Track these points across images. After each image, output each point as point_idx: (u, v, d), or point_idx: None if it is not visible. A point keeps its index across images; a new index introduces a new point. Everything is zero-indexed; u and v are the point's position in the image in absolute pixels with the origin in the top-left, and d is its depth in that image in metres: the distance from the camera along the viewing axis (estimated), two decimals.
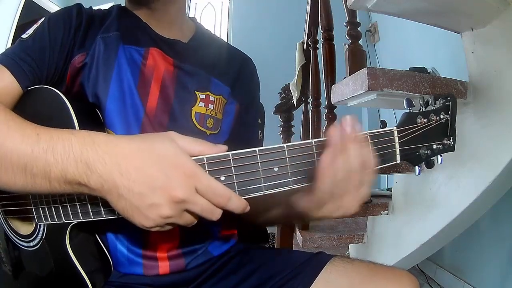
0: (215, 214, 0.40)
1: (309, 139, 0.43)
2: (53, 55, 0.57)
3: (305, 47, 1.92)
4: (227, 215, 0.41)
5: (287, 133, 1.97)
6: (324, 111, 1.48)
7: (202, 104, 0.64)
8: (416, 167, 0.48)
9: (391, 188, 1.45)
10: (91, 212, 0.46)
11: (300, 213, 0.49)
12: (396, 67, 1.04)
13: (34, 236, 0.54)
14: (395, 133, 0.45)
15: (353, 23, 1.31)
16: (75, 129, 0.49)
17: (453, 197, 1.12)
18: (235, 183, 0.41)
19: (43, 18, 0.59)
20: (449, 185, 1.13)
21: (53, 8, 3.18)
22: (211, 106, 0.65)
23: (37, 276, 0.56)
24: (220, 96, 0.67)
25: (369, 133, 0.44)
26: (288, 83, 2.00)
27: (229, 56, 0.74)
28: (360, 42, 1.32)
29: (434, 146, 0.47)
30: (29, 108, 0.54)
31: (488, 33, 1.01)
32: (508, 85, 0.95)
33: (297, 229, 1.56)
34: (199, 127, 0.63)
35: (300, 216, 0.51)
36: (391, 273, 0.58)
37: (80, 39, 0.60)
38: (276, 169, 0.42)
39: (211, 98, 0.66)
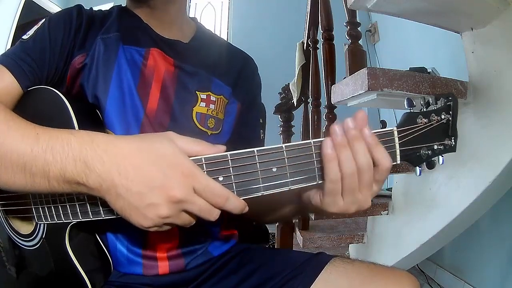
0: (213, 215, 0.40)
1: (309, 139, 0.43)
2: (53, 56, 0.57)
3: (305, 47, 1.92)
4: (229, 215, 0.41)
5: (287, 133, 1.97)
6: (324, 111, 1.48)
7: (203, 104, 0.64)
8: (417, 167, 0.47)
9: (391, 188, 1.45)
10: (90, 212, 0.46)
11: (315, 209, 0.49)
12: (396, 67, 1.04)
13: (34, 236, 0.54)
14: (395, 133, 0.45)
15: (353, 23, 1.31)
16: (75, 129, 0.49)
17: (453, 197, 1.12)
18: (234, 184, 0.41)
19: (43, 19, 0.60)
20: (449, 185, 1.13)
21: (53, 8, 3.18)
22: (212, 106, 0.65)
23: (37, 275, 0.56)
24: (221, 96, 0.67)
25: None
26: (288, 83, 2.00)
27: (230, 55, 0.74)
28: (360, 42, 1.32)
29: (435, 147, 0.46)
30: (29, 108, 0.55)
31: (488, 33, 1.01)
32: (508, 85, 0.95)
33: (297, 229, 1.56)
34: (200, 127, 0.63)
35: (316, 211, 0.51)
36: (391, 274, 0.57)
37: (80, 40, 0.60)
38: (274, 169, 0.41)
39: (212, 98, 0.66)
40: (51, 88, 0.53)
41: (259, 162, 0.41)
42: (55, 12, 0.61)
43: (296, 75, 1.91)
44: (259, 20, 3.42)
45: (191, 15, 0.74)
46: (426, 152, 0.46)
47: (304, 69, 1.89)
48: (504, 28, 0.96)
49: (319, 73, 1.66)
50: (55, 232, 0.52)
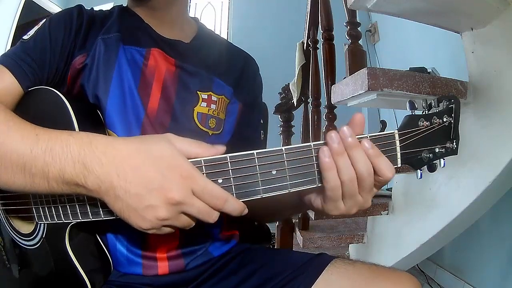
0: (212, 217, 0.40)
1: (309, 139, 0.43)
2: (54, 56, 0.57)
3: (305, 47, 1.91)
4: (229, 216, 0.41)
5: (287, 133, 1.97)
6: (324, 111, 1.48)
7: (204, 104, 0.64)
8: (418, 170, 0.47)
9: (391, 188, 1.45)
10: (90, 213, 0.46)
11: (317, 210, 0.49)
12: (396, 67, 1.04)
13: (34, 235, 0.55)
14: (396, 136, 0.44)
15: (353, 23, 1.31)
16: (75, 129, 0.49)
17: (453, 197, 1.12)
18: (233, 186, 0.41)
19: (44, 19, 0.60)
20: (449, 185, 1.13)
21: (53, 8, 3.18)
22: (213, 106, 0.65)
23: (37, 274, 0.56)
24: (223, 96, 0.67)
25: (370, 136, 0.43)
26: (288, 83, 2.00)
27: (231, 56, 0.74)
28: (360, 42, 1.32)
29: (437, 150, 0.46)
30: (30, 108, 0.55)
31: (488, 33, 1.01)
32: (508, 85, 0.95)
33: (297, 229, 1.56)
34: (201, 127, 0.63)
35: (318, 211, 0.51)
36: (393, 275, 0.57)
37: (81, 40, 0.60)
38: (274, 172, 0.41)
39: (213, 98, 0.66)
40: (52, 89, 0.53)
41: (258, 165, 0.41)
42: (56, 12, 0.61)
43: (296, 75, 1.91)
44: (259, 20, 3.42)
45: (191, 15, 0.74)
46: (428, 155, 0.45)
47: (304, 69, 1.88)
48: (504, 28, 0.96)
49: (319, 73, 1.65)
50: (55, 232, 0.52)
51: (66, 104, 0.51)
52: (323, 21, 1.51)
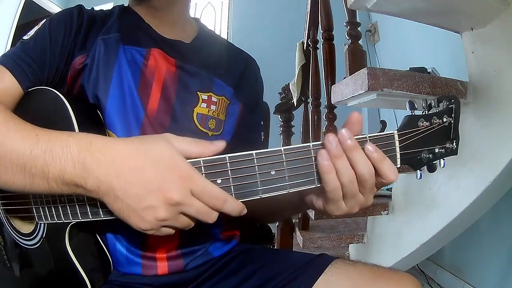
0: (211, 217, 0.40)
1: (309, 139, 0.43)
2: (54, 56, 0.57)
3: (305, 47, 1.91)
4: (230, 216, 0.41)
5: (287, 133, 1.97)
6: (324, 111, 1.48)
7: (204, 105, 0.64)
8: (418, 171, 0.47)
9: (391, 188, 1.45)
10: (89, 213, 0.46)
11: (319, 211, 0.49)
12: (396, 67, 1.04)
13: (34, 235, 0.55)
14: (396, 136, 0.44)
15: (353, 23, 1.31)
16: (75, 130, 0.49)
17: (453, 197, 1.12)
18: (232, 186, 0.41)
19: (44, 20, 0.60)
20: (449, 185, 1.13)
21: (53, 8, 3.18)
22: (213, 107, 0.65)
23: (37, 274, 0.56)
24: (223, 97, 0.67)
25: (369, 136, 0.43)
26: (288, 83, 2.00)
27: (233, 56, 0.74)
28: (360, 42, 1.32)
29: (436, 150, 0.45)
30: (30, 109, 0.55)
31: (488, 33, 1.01)
32: (508, 85, 0.95)
33: (297, 229, 1.56)
34: (201, 128, 0.63)
35: (320, 213, 0.51)
36: (394, 276, 0.57)
37: (81, 40, 0.60)
38: (273, 172, 0.41)
39: (214, 99, 0.65)
40: (52, 89, 0.53)
41: (257, 165, 0.41)
42: (56, 12, 0.61)
43: (296, 75, 1.91)
44: (259, 20, 3.42)
45: (191, 15, 0.74)
46: (427, 156, 0.45)
47: (304, 69, 1.88)
48: (504, 28, 0.96)
49: (319, 73, 1.65)
50: (55, 231, 0.52)
51: (66, 105, 0.51)
52: (323, 21, 1.51)
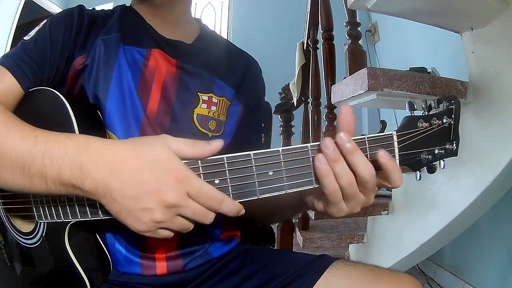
0: (208, 218, 0.40)
1: (309, 139, 0.43)
2: (54, 57, 0.57)
3: (305, 47, 1.92)
4: (231, 217, 0.41)
5: (287, 133, 1.97)
6: (324, 111, 1.48)
7: (204, 105, 0.64)
8: (417, 172, 0.46)
9: (391, 188, 1.45)
10: (88, 212, 0.47)
11: (321, 213, 0.49)
12: (396, 67, 1.04)
13: (34, 234, 0.55)
14: (395, 137, 0.44)
15: (353, 23, 1.31)
16: (74, 130, 0.49)
17: (453, 197, 1.12)
18: (229, 187, 0.41)
19: (45, 20, 0.60)
20: (449, 185, 1.13)
21: (53, 8, 3.18)
22: (213, 108, 0.65)
23: (37, 272, 0.57)
24: (224, 97, 0.67)
25: (367, 137, 0.43)
26: (288, 83, 2.00)
27: (234, 57, 0.74)
28: (360, 42, 1.32)
29: (436, 151, 0.45)
30: (30, 109, 0.55)
31: (488, 33, 1.01)
32: (508, 85, 0.95)
33: (297, 229, 1.56)
34: (201, 129, 0.63)
35: (321, 214, 0.51)
36: (394, 277, 0.57)
37: (81, 41, 0.60)
38: (270, 173, 0.41)
39: (214, 99, 0.65)
40: (52, 89, 0.54)
41: (255, 166, 0.41)
42: (56, 12, 0.61)
43: (296, 75, 1.91)
44: (259, 20, 3.42)
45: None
46: (427, 157, 0.45)
47: (304, 69, 1.88)
48: (504, 28, 0.96)
49: (319, 73, 1.66)
50: (55, 230, 0.52)
51: (66, 105, 0.51)
52: (323, 21, 1.51)
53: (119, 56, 0.60)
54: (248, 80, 0.72)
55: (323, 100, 1.51)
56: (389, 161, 0.41)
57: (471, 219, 1.22)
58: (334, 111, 1.44)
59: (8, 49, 2.77)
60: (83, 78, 0.59)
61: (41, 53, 0.56)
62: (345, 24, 1.33)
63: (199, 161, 0.40)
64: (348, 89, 1.05)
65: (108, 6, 0.68)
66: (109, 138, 0.58)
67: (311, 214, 1.31)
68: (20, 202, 0.54)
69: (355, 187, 0.42)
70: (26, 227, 0.57)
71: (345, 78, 1.12)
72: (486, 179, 1.00)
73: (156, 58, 0.63)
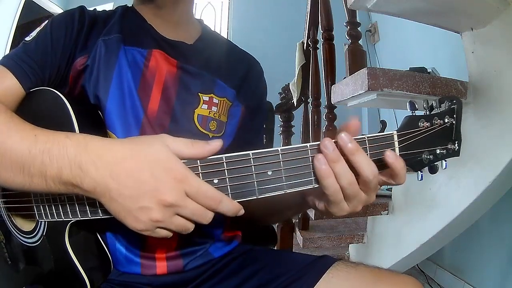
0: (206, 218, 0.40)
1: (309, 139, 0.43)
2: (55, 57, 0.58)
3: (305, 47, 1.92)
4: (232, 217, 0.41)
5: (287, 133, 1.97)
6: (324, 111, 1.48)
7: (205, 106, 0.64)
8: (419, 172, 0.46)
9: (391, 188, 1.45)
10: (88, 211, 0.47)
11: (322, 213, 0.49)
12: (396, 67, 1.04)
13: (35, 233, 0.55)
14: (395, 137, 0.43)
15: (353, 23, 1.31)
16: (75, 130, 0.50)
17: (453, 197, 1.12)
18: (228, 186, 0.41)
19: (46, 21, 0.60)
20: (449, 185, 1.13)
21: (53, 8, 3.18)
22: (214, 109, 0.65)
23: (38, 271, 0.57)
24: (225, 98, 0.67)
25: (368, 137, 0.43)
26: (288, 83, 2.00)
27: (236, 58, 0.73)
28: (360, 42, 1.32)
29: (438, 151, 0.44)
30: (31, 109, 0.55)
31: (488, 33, 1.01)
32: (508, 85, 0.95)
33: (297, 229, 1.56)
34: (202, 129, 0.63)
35: (323, 214, 0.51)
36: (395, 278, 0.56)
37: (82, 41, 0.60)
38: (269, 173, 0.41)
39: (215, 100, 0.65)
40: (53, 90, 0.54)
41: (254, 165, 0.41)
42: (56, 12, 0.62)
43: (296, 75, 1.91)
44: (259, 20, 3.42)
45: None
46: (428, 157, 0.44)
47: (304, 69, 1.89)
48: (504, 28, 0.96)
49: (319, 73, 1.66)
50: (55, 229, 0.52)
51: (66, 105, 0.51)
52: (323, 21, 1.51)
53: (120, 57, 0.60)
54: (250, 81, 0.72)
55: (323, 100, 1.51)
56: (397, 160, 0.41)
57: (471, 219, 1.22)
58: (334, 111, 1.44)
59: (8, 49, 2.78)
60: (84, 79, 0.59)
61: (42, 53, 0.57)
62: (345, 24, 1.33)
63: (198, 161, 0.40)
64: (348, 89, 1.05)
65: (108, 6, 0.68)
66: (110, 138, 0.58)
67: (311, 214, 1.31)
68: (21, 201, 0.54)
69: (356, 187, 0.42)
70: (27, 226, 0.57)
71: (345, 78, 1.12)
72: (486, 179, 1.00)
73: (157, 58, 0.63)
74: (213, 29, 0.77)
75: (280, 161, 0.41)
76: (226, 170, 0.41)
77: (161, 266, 0.62)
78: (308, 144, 0.42)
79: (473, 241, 1.66)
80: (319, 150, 0.41)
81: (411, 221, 1.31)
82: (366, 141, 0.43)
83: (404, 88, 0.94)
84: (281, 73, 2.10)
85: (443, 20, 1.06)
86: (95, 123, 0.57)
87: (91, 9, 0.65)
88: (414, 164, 0.45)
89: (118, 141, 0.41)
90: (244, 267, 0.65)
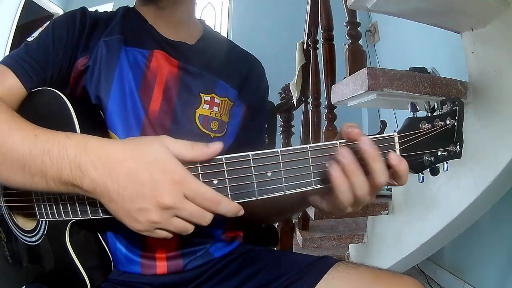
0: (205, 219, 0.40)
1: (309, 139, 0.43)
2: (57, 57, 0.58)
3: (305, 47, 1.92)
4: (234, 217, 0.41)
5: (287, 133, 1.97)
6: (324, 111, 1.48)
7: (206, 106, 0.64)
8: (420, 174, 0.45)
9: (391, 188, 1.45)
10: (89, 211, 0.47)
11: (323, 210, 0.49)
12: (396, 67, 1.04)
13: (36, 232, 0.55)
14: (396, 138, 0.43)
15: (353, 23, 1.31)
16: (76, 130, 0.50)
17: (453, 197, 1.12)
18: (228, 187, 0.41)
19: (48, 22, 0.61)
20: (449, 185, 1.13)
21: (53, 8, 3.18)
22: (216, 109, 0.65)
23: (38, 270, 0.57)
24: (226, 98, 0.67)
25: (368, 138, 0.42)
26: (288, 83, 2.00)
27: (237, 58, 0.73)
28: (360, 42, 1.33)
29: (439, 153, 0.44)
30: (33, 109, 0.56)
31: (488, 33, 1.01)
32: (508, 85, 0.95)
33: (297, 229, 1.56)
34: (203, 129, 0.63)
35: (322, 211, 0.52)
36: (396, 279, 0.56)
37: (84, 42, 0.60)
38: (269, 174, 0.41)
39: (216, 100, 0.65)
40: (54, 90, 0.54)
41: (253, 166, 0.41)
42: (57, 13, 0.62)
43: (296, 75, 1.91)
44: (259, 20, 3.42)
45: None
46: (429, 159, 0.44)
47: (304, 69, 1.89)
48: (504, 28, 0.96)
49: (319, 73, 1.66)
50: (56, 229, 0.52)
51: (68, 105, 0.51)
52: (323, 21, 1.51)
53: (121, 58, 0.61)
54: (251, 80, 0.72)
55: (323, 100, 1.51)
56: (401, 162, 0.41)
57: (471, 219, 1.22)
58: (334, 111, 1.44)
59: (8, 49, 2.78)
60: (85, 79, 0.60)
61: (44, 54, 0.57)
62: (345, 24, 1.33)
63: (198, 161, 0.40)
64: (348, 89, 1.05)
65: (109, 6, 0.69)
66: (111, 138, 0.58)
67: (311, 214, 1.32)
68: (22, 200, 0.55)
69: (368, 196, 0.42)
70: (28, 225, 0.57)
71: (345, 78, 1.12)
72: (486, 179, 1.00)
73: (158, 59, 0.63)
74: (213, 29, 0.77)
75: (280, 162, 0.41)
76: (225, 171, 0.40)
77: (161, 266, 0.62)
78: (308, 146, 0.42)
79: (473, 241, 1.66)
80: (332, 158, 0.41)
81: (411, 221, 1.31)
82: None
83: (404, 88, 0.95)
84: (281, 73, 2.10)
85: (443, 20, 1.06)
86: (96, 123, 0.58)
87: (92, 9, 0.65)
88: (415, 166, 0.45)
89: (118, 142, 0.41)
90: (245, 268, 0.65)
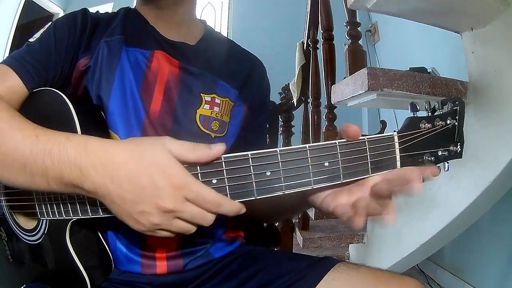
0: (207, 220, 0.40)
1: (309, 139, 0.43)
2: (59, 58, 0.58)
3: (305, 47, 1.92)
4: (235, 217, 0.42)
5: (287, 133, 1.97)
6: (324, 111, 1.48)
7: (207, 106, 0.64)
8: None
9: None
10: (89, 210, 0.47)
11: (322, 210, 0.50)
12: (396, 67, 1.04)
13: (37, 231, 0.56)
14: (396, 138, 0.43)
15: (353, 23, 1.32)
16: (76, 131, 0.50)
17: (453, 197, 1.12)
18: (227, 187, 0.41)
19: (50, 23, 0.61)
20: (449, 185, 1.13)
21: (53, 8, 3.18)
22: (216, 109, 0.65)
23: (39, 269, 0.57)
24: (227, 98, 0.67)
25: (367, 138, 0.42)
26: (288, 83, 2.00)
27: (238, 58, 0.73)
28: (360, 42, 1.33)
29: (439, 153, 0.44)
30: (34, 108, 0.56)
31: (488, 33, 1.01)
32: (508, 85, 0.95)
33: (297, 229, 1.56)
34: (204, 129, 0.63)
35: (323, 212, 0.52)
36: (397, 280, 0.56)
37: (85, 42, 0.61)
38: (268, 173, 0.41)
39: (217, 100, 0.65)
40: (56, 90, 0.54)
41: (252, 166, 0.40)
42: (57, 13, 0.63)
43: (296, 75, 1.91)
44: (259, 20, 3.42)
45: None
46: (430, 159, 0.44)
47: (304, 69, 1.89)
48: (504, 28, 0.96)
49: (319, 73, 1.66)
50: (56, 228, 0.52)
51: (68, 105, 0.51)
52: (323, 21, 1.51)
53: (122, 58, 0.61)
54: (252, 80, 0.72)
55: (323, 100, 1.51)
56: (419, 188, 0.42)
57: (471, 219, 1.22)
58: (334, 111, 1.44)
59: (8, 49, 2.78)
60: (86, 80, 0.60)
61: (46, 54, 0.57)
62: (345, 24, 1.33)
63: None
64: (348, 89, 1.05)
65: (109, 6, 0.69)
66: (112, 138, 0.58)
67: (311, 214, 1.32)
68: (23, 199, 0.55)
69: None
70: (29, 224, 0.57)
71: (345, 78, 1.12)
72: (486, 179, 1.00)
73: (159, 59, 0.63)
74: (214, 29, 0.77)
75: (279, 162, 0.41)
76: (224, 171, 0.40)
77: (161, 266, 0.62)
78: (307, 145, 0.42)
79: (473, 241, 1.66)
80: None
81: (411, 221, 1.31)
82: (366, 142, 0.42)
83: (404, 88, 0.95)
84: (281, 73, 2.10)
85: (443, 20, 1.07)
86: (97, 123, 0.58)
87: (92, 9, 0.66)
88: (415, 166, 0.44)
89: (118, 143, 0.41)
90: (245, 268, 0.65)
